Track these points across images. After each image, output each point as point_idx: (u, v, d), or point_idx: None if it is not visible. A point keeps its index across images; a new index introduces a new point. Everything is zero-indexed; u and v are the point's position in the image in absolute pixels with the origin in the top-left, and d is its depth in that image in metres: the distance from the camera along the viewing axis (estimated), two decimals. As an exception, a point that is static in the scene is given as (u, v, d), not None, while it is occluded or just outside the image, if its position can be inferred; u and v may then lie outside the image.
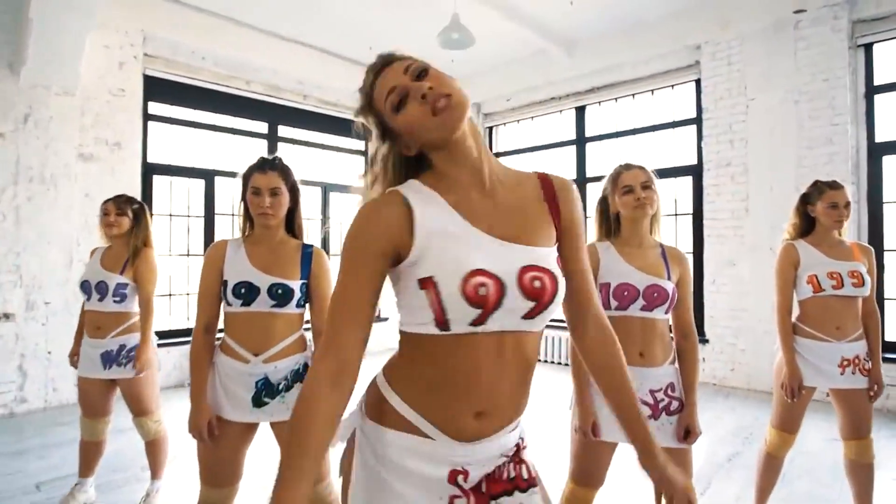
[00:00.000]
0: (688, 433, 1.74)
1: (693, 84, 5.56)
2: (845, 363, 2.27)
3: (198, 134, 5.78)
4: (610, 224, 1.95)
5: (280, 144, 6.37)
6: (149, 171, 5.27)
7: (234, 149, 6.02)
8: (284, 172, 1.86)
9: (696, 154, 5.53)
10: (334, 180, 6.89)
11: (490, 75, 7.00)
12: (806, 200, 2.41)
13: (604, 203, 1.99)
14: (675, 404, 1.78)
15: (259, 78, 6.04)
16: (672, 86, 5.79)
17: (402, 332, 0.97)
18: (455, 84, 0.92)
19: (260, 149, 6.17)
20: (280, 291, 1.80)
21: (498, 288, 0.87)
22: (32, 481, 2.98)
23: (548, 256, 0.95)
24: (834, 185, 2.34)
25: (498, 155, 7.46)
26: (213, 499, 1.80)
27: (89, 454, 2.67)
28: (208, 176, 5.69)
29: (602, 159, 6.41)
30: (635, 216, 1.85)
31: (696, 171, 5.51)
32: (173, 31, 5.27)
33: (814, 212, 2.37)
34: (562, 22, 5.71)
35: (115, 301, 2.56)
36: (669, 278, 1.82)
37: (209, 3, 5.28)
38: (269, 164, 1.84)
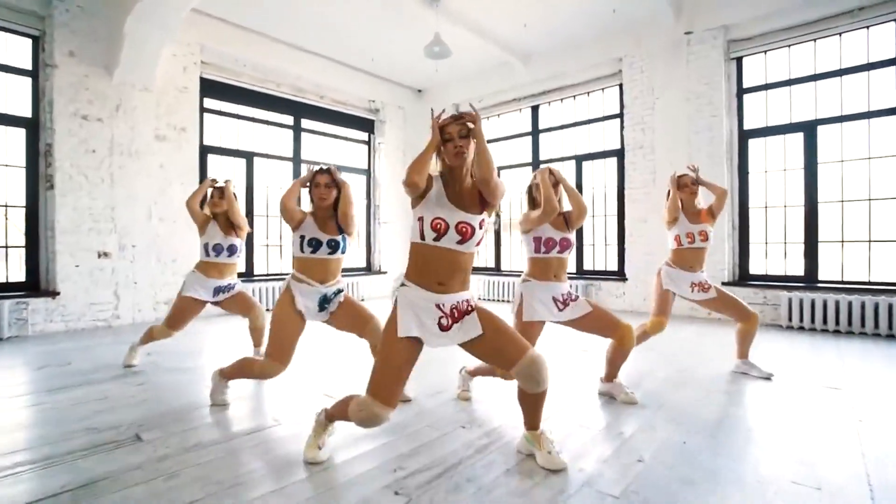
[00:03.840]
0: None
1: (617, 88, 6.54)
2: (694, 286, 3.25)
3: (240, 124, 6.65)
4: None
5: (303, 134, 7.25)
6: (204, 151, 6.16)
7: (268, 136, 6.90)
8: (332, 176, 2.59)
9: (619, 140, 6.53)
10: (344, 164, 7.81)
11: (466, 82, 7.95)
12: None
13: (530, 190, 2.75)
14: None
15: (287, 81, 6.94)
16: (602, 89, 6.75)
17: (411, 244, 1.88)
18: (469, 151, 1.81)
19: (287, 137, 7.08)
20: (333, 243, 2.58)
21: (445, 226, 1.77)
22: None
23: (474, 218, 1.79)
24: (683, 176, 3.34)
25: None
26: (271, 370, 2.44)
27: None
28: (249, 157, 6.59)
29: (552, 147, 7.38)
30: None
31: (619, 153, 6.51)
32: (223, 44, 6.13)
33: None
34: (519, 40, 6.67)
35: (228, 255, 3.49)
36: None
37: (249, 22, 6.16)
38: (326, 170, 2.59)
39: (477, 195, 1.87)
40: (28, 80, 4.99)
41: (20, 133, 4.94)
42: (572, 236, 2.69)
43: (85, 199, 5.08)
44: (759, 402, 2.73)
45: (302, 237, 2.56)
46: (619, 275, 6.41)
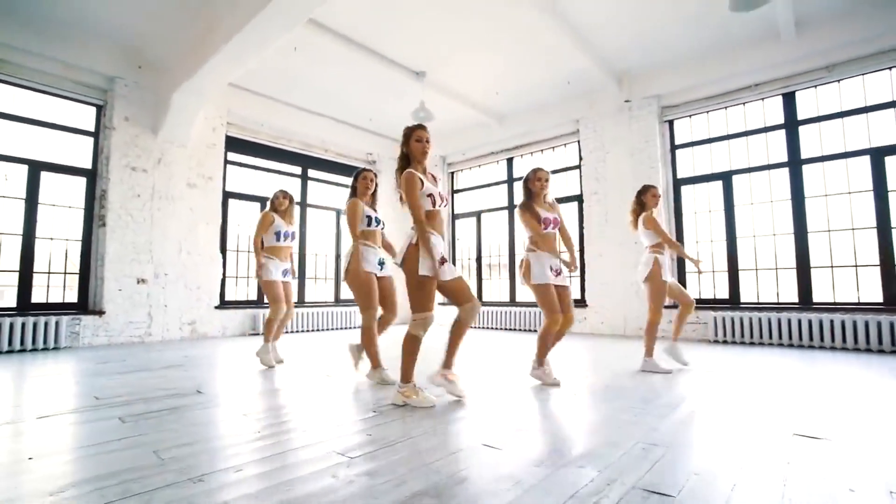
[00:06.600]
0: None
1: (576, 143, 7.88)
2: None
3: (257, 173, 7.94)
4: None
5: (309, 182, 8.54)
6: (226, 196, 7.40)
7: (280, 184, 8.13)
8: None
9: (578, 188, 7.80)
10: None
11: (452, 137, 9.32)
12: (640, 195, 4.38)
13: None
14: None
15: (297, 138, 8.29)
16: (564, 144, 8.11)
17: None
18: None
19: (296, 184, 8.34)
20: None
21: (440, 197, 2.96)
22: (156, 365, 4.91)
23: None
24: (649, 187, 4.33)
25: (457, 191, 9.72)
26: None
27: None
28: (262, 201, 7.82)
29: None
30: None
31: (579, 199, 7.76)
32: (245, 108, 7.50)
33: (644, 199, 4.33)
34: (493, 104, 8.07)
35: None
36: None
37: (268, 90, 7.53)
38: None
39: None
40: (90, 140, 6.28)
41: (80, 181, 6.17)
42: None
43: (130, 235, 6.25)
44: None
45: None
46: (581, 302, 7.51)
